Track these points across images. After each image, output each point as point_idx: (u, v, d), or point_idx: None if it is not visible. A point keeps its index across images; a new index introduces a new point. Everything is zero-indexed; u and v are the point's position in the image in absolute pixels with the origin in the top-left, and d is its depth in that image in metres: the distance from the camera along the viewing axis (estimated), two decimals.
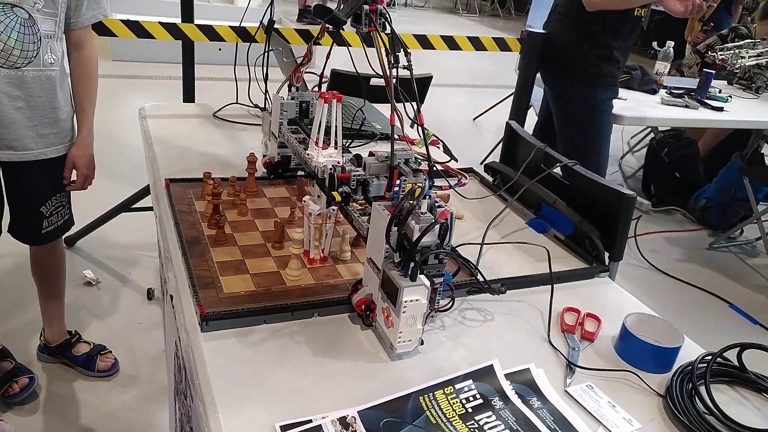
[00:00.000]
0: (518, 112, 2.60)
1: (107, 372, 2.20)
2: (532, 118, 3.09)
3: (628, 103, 3.03)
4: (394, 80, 0.99)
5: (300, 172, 1.49)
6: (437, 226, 0.91)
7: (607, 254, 1.30)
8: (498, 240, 1.36)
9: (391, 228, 0.90)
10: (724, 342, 1.02)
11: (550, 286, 1.15)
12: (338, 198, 1.06)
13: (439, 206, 0.95)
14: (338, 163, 1.09)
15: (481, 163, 1.69)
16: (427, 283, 0.91)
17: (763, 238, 3.59)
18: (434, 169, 1.03)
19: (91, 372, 2.19)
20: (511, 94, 4.96)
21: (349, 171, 1.07)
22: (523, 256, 1.31)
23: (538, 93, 2.92)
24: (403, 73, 1.00)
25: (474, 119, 5.41)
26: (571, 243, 1.37)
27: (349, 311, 1.05)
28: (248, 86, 2.02)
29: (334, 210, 1.12)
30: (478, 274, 1.12)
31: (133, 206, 2.87)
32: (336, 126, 1.11)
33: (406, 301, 0.90)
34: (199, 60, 2.54)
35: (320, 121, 1.11)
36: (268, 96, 1.70)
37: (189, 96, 2.39)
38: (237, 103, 2.03)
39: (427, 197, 0.92)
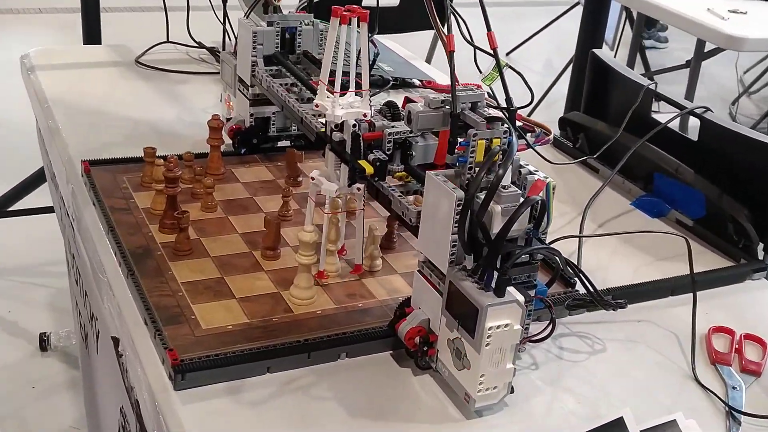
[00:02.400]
0: (590, 41, 2.60)
1: None
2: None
3: (751, 17, 3.04)
4: None
5: (285, 142, 1.49)
6: (528, 208, 0.91)
7: (762, 245, 1.31)
8: (595, 230, 1.36)
9: (466, 215, 0.90)
10: None
11: (690, 295, 1.16)
12: (369, 169, 1.05)
13: (529, 173, 0.94)
14: (364, 116, 1.08)
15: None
16: (521, 298, 0.91)
17: None
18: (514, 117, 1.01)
19: None
20: (560, 16, 4.99)
21: (382, 127, 1.06)
22: (635, 254, 1.32)
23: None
24: None
25: (507, 54, 5.42)
26: (704, 230, 1.37)
27: (392, 348, 1.05)
28: (186, 15, 2.01)
29: (360, 190, 1.11)
30: (582, 282, 1.11)
31: (9, 209, 2.84)
32: (360, 60, 1.10)
33: (490, 328, 0.90)
34: None
35: (335, 54, 1.09)
36: (228, 25, 1.69)
37: (93, 34, 2.37)
38: (169, 41, 2.02)
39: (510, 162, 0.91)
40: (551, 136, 1.11)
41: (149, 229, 1.22)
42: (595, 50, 1.63)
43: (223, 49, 1.62)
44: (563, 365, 1.06)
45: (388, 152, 1.07)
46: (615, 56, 3.74)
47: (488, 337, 0.90)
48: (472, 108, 0.99)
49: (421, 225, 0.99)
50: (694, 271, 1.17)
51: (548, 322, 1.02)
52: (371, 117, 1.09)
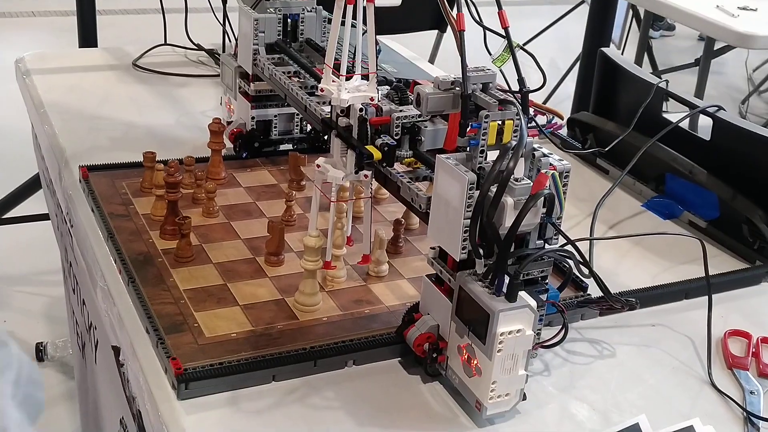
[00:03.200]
0: (597, 40, 2.60)
1: None
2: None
3: (761, 14, 3.04)
4: None
5: (287, 145, 1.49)
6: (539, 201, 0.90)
7: None
8: (607, 233, 1.36)
9: (483, 209, 0.89)
10: None
11: (705, 299, 1.15)
12: (377, 154, 1.04)
13: (543, 156, 0.93)
14: (372, 99, 1.08)
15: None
16: (533, 303, 0.91)
17: None
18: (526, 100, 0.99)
19: None
20: (566, 14, 5.00)
21: (389, 112, 1.06)
22: (648, 256, 1.31)
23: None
24: None
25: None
26: (717, 232, 1.37)
27: (401, 355, 1.04)
28: (185, 17, 2.01)
29: (367, 177, 1.11)
30: (595, 278, 1.09)
31: (3, 216, 2.84)
32: (367, 41, 1.08)
33: (502, 334, 0.89)
34: None
35: (341, 36, 1.08)
36: (228, 26, 1.69)
37: (89, 37, 2.37)
38: (166, 44, 2.03)
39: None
40: (563, 122, 1.09)
41: (150, 235, 1.22)
42: (603, 49, 1.63)
43: (223, 51, 1.61)
44: (576, 371, 1.06)
45: (396, 137, 1.06)
46: (622, 55, 3.74)
47: (500, 343, 0.90)
48: (484, 89, 0.98)
49: (432, 211, 0.97)
50: (709, 274, 1.17)
51: (561, 327, 1.02)
52: (378, 101, 1.07)
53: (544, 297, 0.99)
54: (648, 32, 4.05)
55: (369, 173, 1.10)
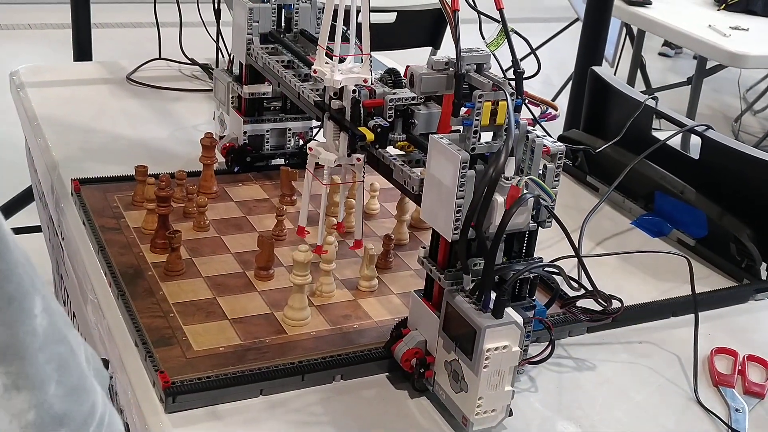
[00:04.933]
0: (589, 58, 2.61)
1: None
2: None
3: (753, 34, 3.06)
4: None
5: (279, 160, 1.49)
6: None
7: (765, 264, 1.32)
8: (595, 249, 1.37)
9: (481, 204, 0.89)
10: None
11: (692, 316, 1.16)
12: (370, 136, 1.04)
13: (537, 138, 0.92)
14: (365, 81, 1.07)
15: None
16: (519, 319, 0.91)
17: None
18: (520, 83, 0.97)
19: None
20: (560, 32, 5.01)
21: (383, 94, 1.06)
22: (636, 274, 1.32)
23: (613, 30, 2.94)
24: None
25: (504, 71, 5.45)
26: (706, 250, 1.38)
27: (388, 370, 1.05)
28: (179, 31, 2.02)
29: (359, 161, 1.11)
30: (584, 270, 1.09)
31: None
32: (361, 23, 1.09)
33: (488, 350, 0.90)
34: None
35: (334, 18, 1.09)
36: (222, 42, 1.70)
37: (83, 50, 2.38)
38: (161, 58, 2.03)
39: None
40: (558, 113, 1.09)
41: (140, 248, 1.22)
42: (594, 67, 1.64)
43: (217, 66, 1.62)
44: (563, 387, 1.06)
45: (389, 120, 1.06)
46: (615, 73, 3.76)
47: (486, 359, 0.90)
48: (478, 70, 0.98)
49: (425, 192, 0.97)
50: (696, 292, 1.18)
51: (548, 343, 1.02)
52: (372, 84, 1.07)
53: (531, 313, 1.00)
54: (641, 50, 4.06)
55: (362, 156, 1.10)
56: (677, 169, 1.44)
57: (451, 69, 0.99)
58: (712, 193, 1.38)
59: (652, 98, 1.48)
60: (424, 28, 2.91)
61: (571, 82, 2.84)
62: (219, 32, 1.73)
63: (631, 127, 1.47)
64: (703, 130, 1.40)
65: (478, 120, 0.93)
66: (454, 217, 0.91)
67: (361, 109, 1.06)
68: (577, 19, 4.56)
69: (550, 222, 0.97)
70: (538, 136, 0.94)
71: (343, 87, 1.09)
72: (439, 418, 0.99)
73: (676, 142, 1.48)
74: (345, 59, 1.10)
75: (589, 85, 1.64)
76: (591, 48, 2.48)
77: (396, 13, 2.81)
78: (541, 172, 0.95)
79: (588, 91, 1.65)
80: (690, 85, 3.65)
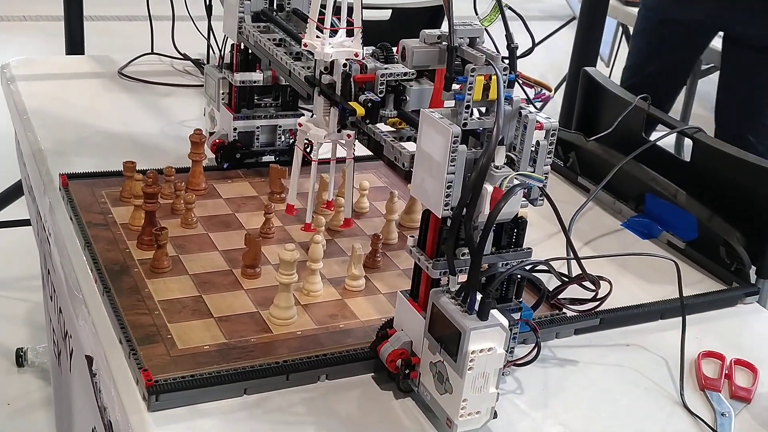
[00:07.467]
0: (584, 58, 2.61)
1: None
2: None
3: None
4: None
5: (269, 157, 1.49)
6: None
7: (754, 268, 1.31)
8: (582, 251, 1.36)
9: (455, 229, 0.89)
10: None
11: (679, 319, 1.16)
12: (360, 111, 1.02)
13: (530, 113, 0.90)
14: (356, 55, 1.06)
15: None
16: (504, 321, 0.91)
17: None
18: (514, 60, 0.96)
19: None
20: (555, 32, 5.00)
21: (374, 69, 1.05)
22: (625, 276, 1.32)
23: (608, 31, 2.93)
24: None
25: None
26: (695, 252, 1.38)
27: (374, 370, 1.05)
28: (172, 26, 2.01)
29: (350, 137, 1.10)
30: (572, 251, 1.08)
31: None
32: None
33: (473, 352, 0.90)
34: None
35: None
36: (213, 38, 1.69)
37: (75, 44, 2.37)
38: (153, 53, 2.03)
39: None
40: (552, 94, 1.08)
41: (127, 245, 1.22)
42: (587, 68, 1.64)
43: (208, 62, 1.62)
44: (549, 390, 1.06)
45: (380, 95, 1.04)
46: (611, 73, 3.75)
47: (471, 361, 0.90)
48: (470, 44, 0.96)
49: (415, 167, 0.95)
50: (685, 295, 1.17)
51: (534, 345, 1.02)
52: (363, 58, 1.06)
53: (516, 315, 0.99)
54: None
55: (352, 133, 1.09)
56: (668, 171, 1.44)
57: (443, 42, 0.98)
58: (702, 195, 1.38)
59: (642, 98, 1.48)
60: (419, 26, 2.89)
61: (565, 83, 2.84)
62: (210, 28, 1.72)
63: (622, 128, 1.47)
64: (693, 132, 1.40)
65: (470, 94, 0.91)
66: (444, 192, 0.89)
67: (352, 83, 1.04)
68: (573, 18, 4.56)
69: (542, 200, 0.96)
70: (530, 112, 0.92)
71: (333, 61, 1.08)
72: (424, 419, 0.99)
73: (668, 144, 1.48)
74: (336, 32, 1.09)
75: (582, 85, 1.64)
76: (585, 48, 2.48)
77: (391, 10, 2.80)
78: (533, 149, 0.94)
79: (580, 92, 1.65)
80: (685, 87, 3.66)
